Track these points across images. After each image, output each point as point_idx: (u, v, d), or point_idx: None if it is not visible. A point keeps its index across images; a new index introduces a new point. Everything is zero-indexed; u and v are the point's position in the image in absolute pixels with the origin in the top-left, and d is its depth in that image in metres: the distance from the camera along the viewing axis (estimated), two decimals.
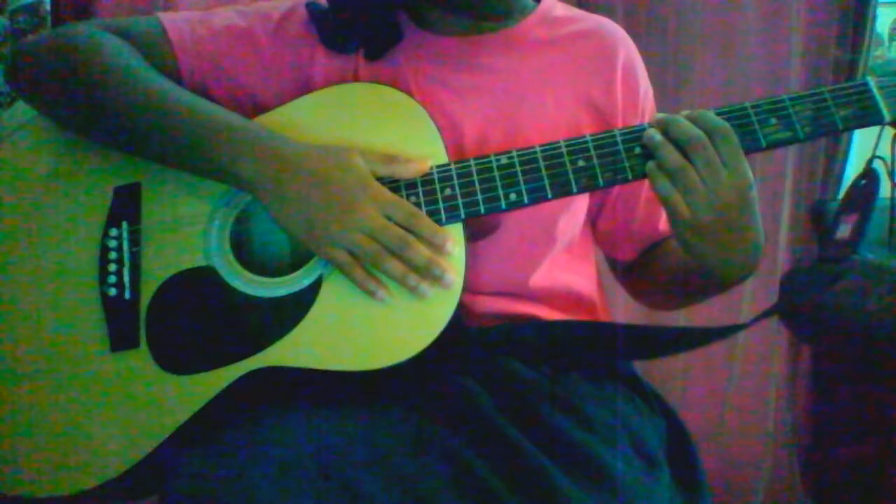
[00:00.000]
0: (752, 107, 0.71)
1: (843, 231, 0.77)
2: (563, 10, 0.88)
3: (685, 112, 0.70)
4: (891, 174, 0.75)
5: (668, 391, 0.85)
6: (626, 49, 0.85)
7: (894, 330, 1.25)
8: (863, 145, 1.68)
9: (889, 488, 1.43)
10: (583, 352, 0.79)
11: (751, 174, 0.69)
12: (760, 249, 0.74)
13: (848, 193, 0.79)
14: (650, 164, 0.70)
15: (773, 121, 0.71)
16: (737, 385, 1.75)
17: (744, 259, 0.73)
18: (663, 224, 0.88)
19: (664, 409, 0.81)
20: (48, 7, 1.46)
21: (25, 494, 0.73)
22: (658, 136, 0.69)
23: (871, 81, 0.71)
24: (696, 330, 0.77)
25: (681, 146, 0.69)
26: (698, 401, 1.71)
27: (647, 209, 0.88)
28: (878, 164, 0.75)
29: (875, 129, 0.75)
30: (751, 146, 0.71)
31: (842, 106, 0.71)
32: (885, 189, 0.76)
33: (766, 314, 0.79)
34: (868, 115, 0.71)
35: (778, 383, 1.78)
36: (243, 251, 0.78)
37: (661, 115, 0.71)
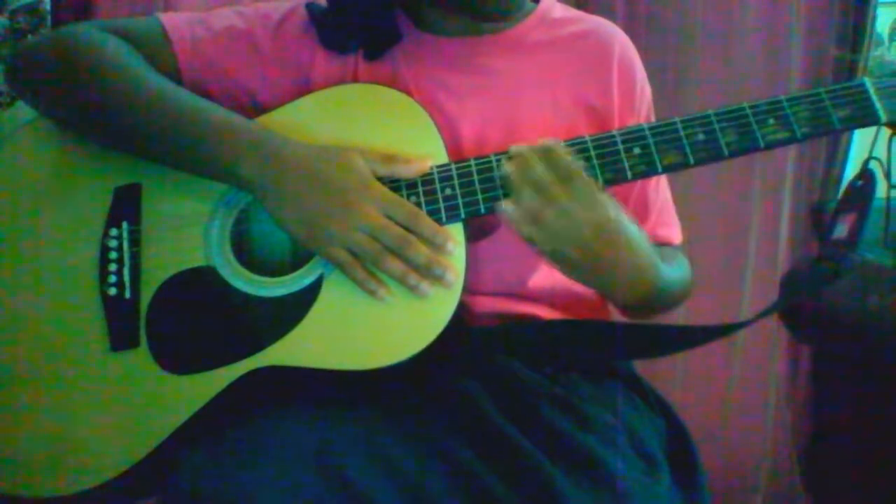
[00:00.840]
0: (751, 107, 0.72)
1: (840, 231, 0.77)
2: (561, 12, 0.88)
3: (544, 145, 0.70)
4: (887, 175, 0.76)
5: (668, 391, 0.85)
6: (623, 50, 0.85)
7: (894, 330, 1.25)
8: (862, 146, 1.68)
9: (889, 488, 1.43)
10: (583, 351, 0.79)
11: (610, 211, 0.69)
12: (647, 278, 0.74)
13: (845, 194, 0.79)
14: (506, 202, 0.70)
15: (772, 121, 0.72)
16: (737, 385, 1.75)
17: (630, 287, 0.74)
18: (650, 225, 0.89)
19: (664, 409, 0.81)
20: (48, 7, 1.46)
21: (25, 494, 0.74)
22: (511, 174, 0.70)
23: (868, 82, 0.72)
24: (696, 329, 0.77)
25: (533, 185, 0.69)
26: (698, 401, 1.70)
27: (635, 212, 0.89)
28: (874, 165, 0.76)
29: (874, 129, 0.75)
30: (749, 146, 0.71)
31: (839, 106, 0.71)
32: (881, 190, 0.77)
33: (766, 313, 0.79)
34: (865, 116, 0.71)
35: (778, 383, 1.78)
36: (244, 251, 0.78)
37: (514, 150, 0.71)
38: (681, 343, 0.87)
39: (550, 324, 0.81)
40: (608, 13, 1.61)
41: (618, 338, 0.79)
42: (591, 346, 0.79)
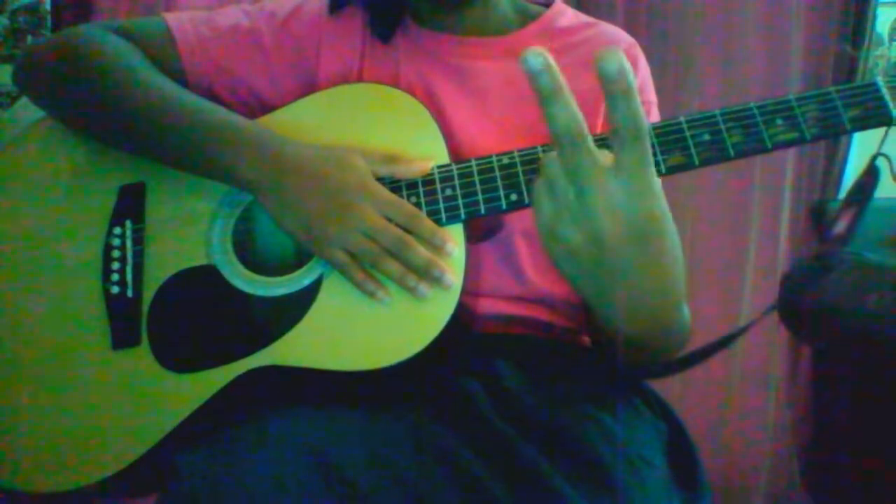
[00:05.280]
0: (758, 107, 0.69)
1: (841, 227, 0.76)
2: (571, 19, 0.87)
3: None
4: None
5: (668, 392, 0.85)
6: (626, 50, 0.85)
7: (894, 330, 1.25)
8: (863, 146, 1.69)
9: (889, 488, 1.43)
10: (580, 375, 0.78)
11: (657, 208, 0.52)
12: (668, 307, 0.60)
13: (850, 190, 0.78)
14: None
15: (779, 121, 0.69)
16: (737, 385, 1.76)
17: (646, 313, 0.59)
18: None
19: (664, 411, 0.81)
20: (48, 7, 1.46)
21: (26, 490, 0.74)
22: (549, 85, 0.51)
23: (881, 81, 0.69)
24: (696, 351, 0.76)
25: (552, 135, 0.52)
26: (698, 401, 1.71)
27: None
28: (881, 162, 0.74)
29: (877, 130, 0.74)
30: (756, 148, 0.69)
31: (850, 106, 0.69)
32: (890, 188, 0.76)
33: (765, 313, 0.78)
34: (877, 116, 0.69)
35: (778, 383, 1.78)
36: (246, 250, 0.78)
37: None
38: (684, 364, 0.85)
39: (552, 344, 0.80)
40: (608, 13, 1.61)
41: (618, 365, 0.78)
42: (591, 371, 0.78)
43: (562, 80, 0.50)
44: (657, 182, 0.52)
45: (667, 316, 0.62)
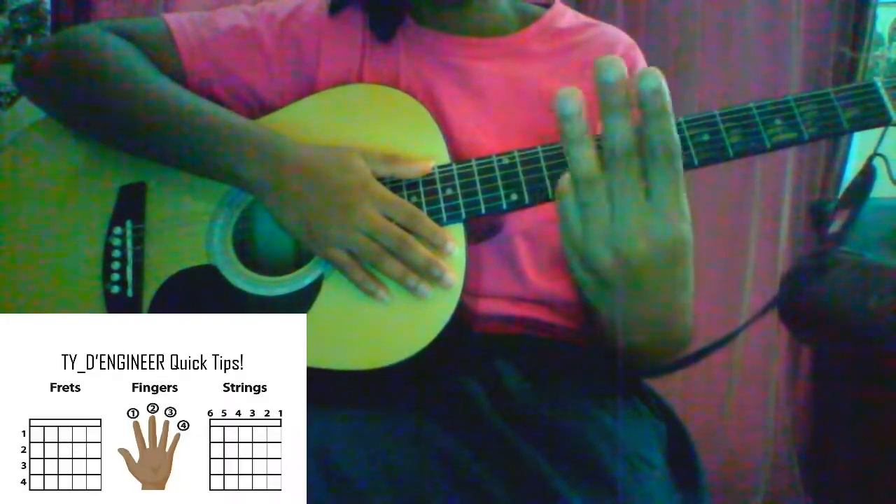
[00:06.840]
0: (757, 107, 0.70)
1: (836, 226, 0.76)
2: (571, 20, 0.87)
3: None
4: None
5: (668, 391, 0.85)
6: (625, 51, 0.85)
7: (894, 330, 1.25)
8: (863, 146, 1.69)
9: (889, 488, 1.43)
10: (580, 375, 0.78)
11: (686, 232, 0.51)
12: (677, 325, 0.61)
13: (846, 190, 0.78)
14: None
15: (778, 121, 0.70)
16: (737, 385, 1.75)
17: (656, 330, 0.61)
18: None
19: (664, 410, 0.81)
20: (48, 7, 1.46)
21: None
22: (578, 129, 0.49)
23: (879, 82, 0.70)
24: (696, 351, 0.76)
25: (605, 151, 0.49)
26: (698, 401, 1.70)
27: None
28: (877, 162, 0.75)
29: (876, 129, 0.74)
30: (755, 148, 0.70)
31: (848, 107, 0.69)
32: (887, 188, 0.76)
33: (763, 310, 0.78)
34: (875, 117, 0.69)
35: (778, 383, 1.78)
36: (247, 250, 0.78)
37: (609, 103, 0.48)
38: (679, 366, 0.85)
39: (552, 344, 0.80)
40: (608, 13, 1.61)
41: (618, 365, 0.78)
42: (591, 372, 0.78)
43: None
44: (687, 204, 0.51)
45: (675, 326, 0.63)
